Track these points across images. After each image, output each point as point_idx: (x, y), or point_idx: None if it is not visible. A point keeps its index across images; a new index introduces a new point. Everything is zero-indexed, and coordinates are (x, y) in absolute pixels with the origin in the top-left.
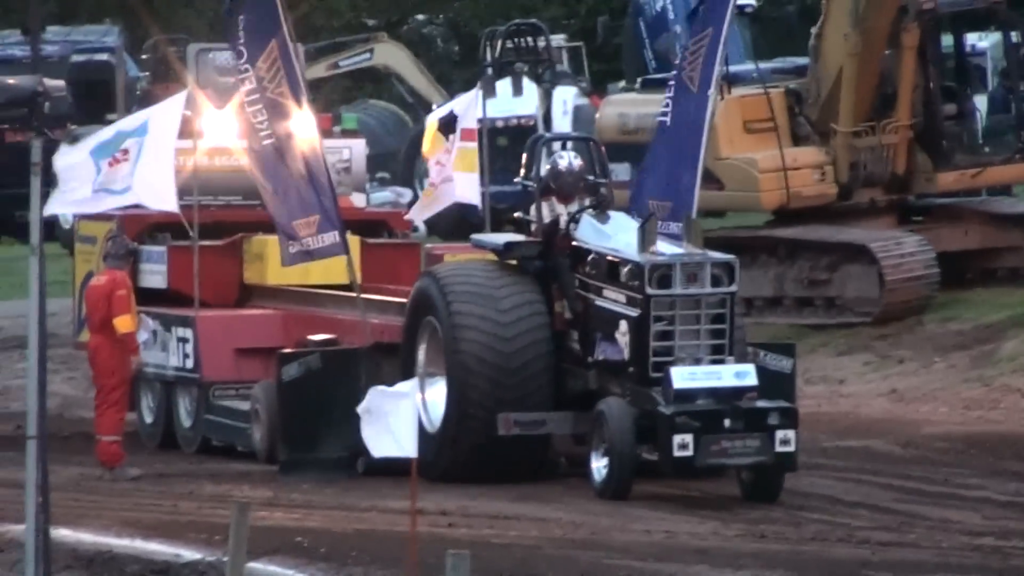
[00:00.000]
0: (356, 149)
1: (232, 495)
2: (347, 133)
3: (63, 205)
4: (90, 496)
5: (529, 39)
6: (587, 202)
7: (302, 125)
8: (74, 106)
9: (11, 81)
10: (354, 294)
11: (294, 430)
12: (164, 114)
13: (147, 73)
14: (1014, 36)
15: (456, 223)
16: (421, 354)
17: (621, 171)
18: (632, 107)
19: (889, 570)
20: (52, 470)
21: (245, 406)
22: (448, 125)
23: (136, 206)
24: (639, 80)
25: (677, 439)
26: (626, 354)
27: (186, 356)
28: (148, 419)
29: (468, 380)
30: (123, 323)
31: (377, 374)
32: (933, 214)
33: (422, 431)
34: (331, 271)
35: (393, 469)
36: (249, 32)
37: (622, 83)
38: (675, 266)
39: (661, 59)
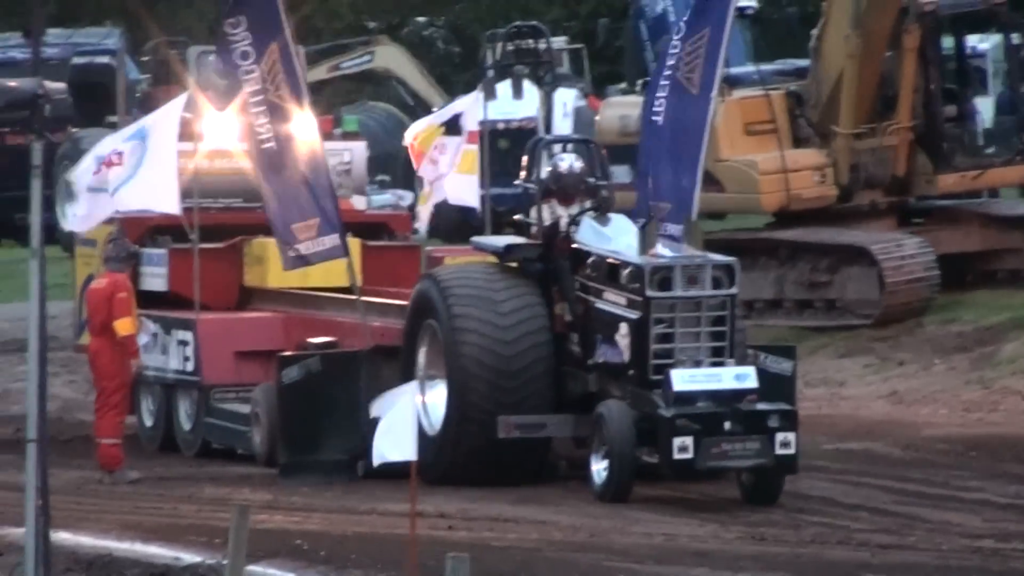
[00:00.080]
0: (357, 151)
1: (232, 498)
2: (348, 135)
3: (81, 221)
4: (90, 499)
5: (530, 41)
6: (587, 204)
7: (303, 127)
8: (75, 108)
9: (11, 84)
10: (354, 297)
11: (294, 433)
12: (164, 117)
13: (148, 75)
14: (1015, 38)
15: (457, 226)
16: (421, 357)
17: (621, 173)
18: (633, 109)
19: (889, 572)
20: (52, 473)
21: (245, 409)
22: (452, 126)
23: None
24: (640, 82)
25: (677, 441)
26: (626, 356)
27: (186, 359)
28: (148, 422)
29: (468, 383)
30: (123, 326)
31: (377, 377)
32: (933, 216)
33: (422, 434)
34: (331, 274)
35: (393, 472)
36: (252, 34)
37: (623, 85)
38: (675, 268)
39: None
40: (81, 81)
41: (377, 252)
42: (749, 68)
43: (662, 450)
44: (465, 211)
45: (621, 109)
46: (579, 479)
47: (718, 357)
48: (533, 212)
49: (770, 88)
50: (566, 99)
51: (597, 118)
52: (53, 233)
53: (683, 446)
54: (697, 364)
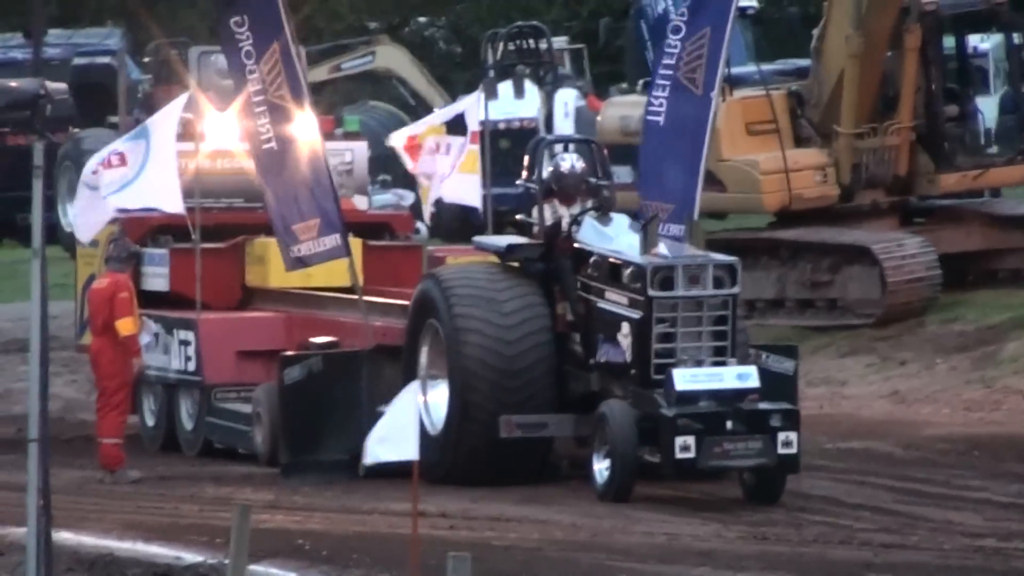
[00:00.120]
0: (358, 151)
1: (233, 498)
2: (349, 135)
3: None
4: (91, 499)
5: (531, 41)
6: (589, 204)
7: (304, 128)
8: (76, 109)
9: (13, 84)
10: (356, 296)
11: (296, 433)
12: (165, 117)
13: (149, 76)
14: (1016, 37)
15: (458, 226)
16: (423, 356)
17: (623, 173)
18: (634, 109)
19: (891, 572)
20: (53, 473)
21: (247, 409)
22: (456, 126)
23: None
24: (641, 82)
25: (679, 441)
26: (628, 356)
27: (188, 359)
28: (150, 422)
29: (470, 382)
30: (125, 326)
31: (379, 377)
32: (935, 216)
33: (424, 433)
34: (333, 274)
35: (394, 472)
36: (253, 34)
37: (624, 85)
38: (677, 268)
39: None
40: (82, 81)
41: (379, 252)
42: (750, 68)
43: (664, 450)
44: (467, 211)
45: (622, 109)
46: (581, 479)
47: (720, 357)
48: (535, 212)
49: (771, 88)
50: (567, 99)
51: (599, 118)
52: (54, 233)
53: (685, 445)
54: (699, 364)
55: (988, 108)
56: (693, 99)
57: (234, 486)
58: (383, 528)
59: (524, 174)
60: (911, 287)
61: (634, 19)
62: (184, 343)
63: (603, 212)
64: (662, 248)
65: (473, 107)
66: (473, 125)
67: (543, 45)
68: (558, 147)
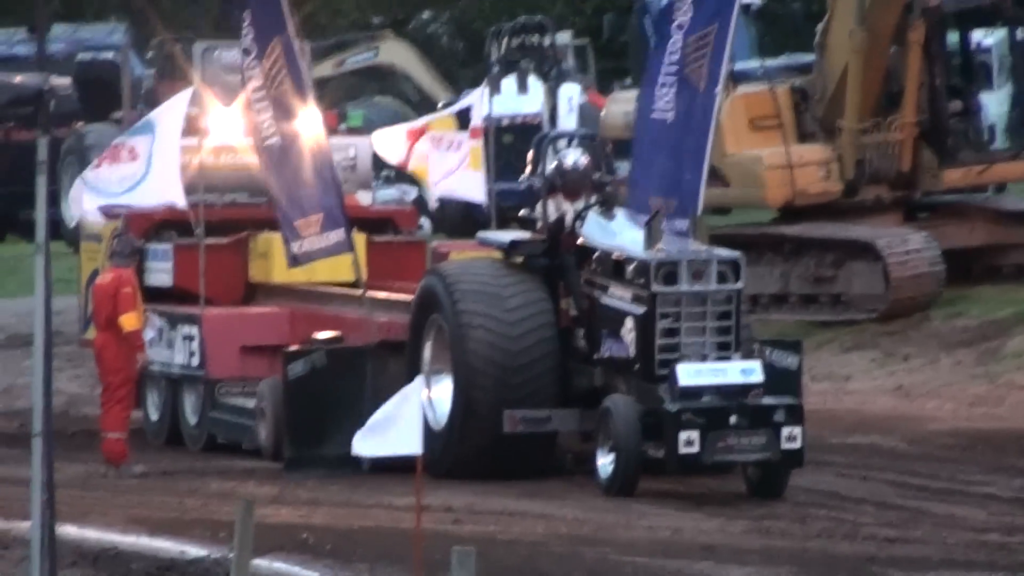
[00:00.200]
0: (362, 147)
1: (237, 492)
2: (353, 131)
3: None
4: (95, 493)
5: (535, 36)
6: (593, 199)
7: (308, 123)
8: (80, 104)
9: (17, 79)
10: (360, 292)
11: (299, 427)
12: (169, 112)
13: (153, 71)
14: (1020, 32)
15: (462, 221)
16: (427, 352)
17: (627, 169)
18: None
19: (894, 566)
20: (58, 467)
21: (251, 403)
22: (467, 121)
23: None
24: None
25: (683, 436)
26: (632, 351)
27: (192, 354)
28: (154, 416)
29: (474, 378)
30: (129, 321)
31: (383, 372)
32: (939, 211)
33: (428, 428)
34: (337, 269)
35: (398, 466)
36: (255, 29)
37: (628, 80)
38: (681, 263)
39: None
40: (86, 77)
41: (382, 247)
42: (754, 63)
43: (668, 444)
44: (470, 206)
45: (626, 104)
46: (585, 473)
47: (724, 351)
48: (539, 207)
49: (775, 83)
50: (571, 94)
51: (602, 113)
52: (58, 228)
53: (689, 440)
54: (703, 358)
55: (992, 104)
56: (697, 95)
57: (238, 480)
58: (387, 522)
59: (528, 169)
60: (915, 282)
61: (638, 14)
62: (188, 338)
63: (607, 207)
64: (666, 243)
65: (478, 103)
66: (475, 120)
67: (547, 41)
68: (562, 143)
